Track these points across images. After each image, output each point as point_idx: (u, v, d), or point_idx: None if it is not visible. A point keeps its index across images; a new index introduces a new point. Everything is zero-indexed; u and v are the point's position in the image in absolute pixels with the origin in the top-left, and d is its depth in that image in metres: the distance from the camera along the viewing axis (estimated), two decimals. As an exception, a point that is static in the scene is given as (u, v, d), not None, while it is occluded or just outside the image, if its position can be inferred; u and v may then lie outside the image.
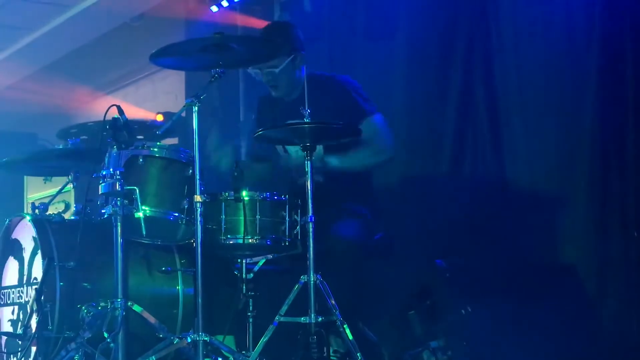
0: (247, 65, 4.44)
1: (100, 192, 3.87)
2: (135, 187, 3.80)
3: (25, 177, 6.95)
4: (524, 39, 4.87)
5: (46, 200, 4.58)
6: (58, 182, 5.01)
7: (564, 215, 4.64)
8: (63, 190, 4.86)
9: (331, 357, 4.06)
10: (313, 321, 3.76)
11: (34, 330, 3.96)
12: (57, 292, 4.00)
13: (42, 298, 3.94)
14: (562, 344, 4.28)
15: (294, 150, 4.37)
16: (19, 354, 4.06)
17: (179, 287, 4.28)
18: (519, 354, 4.25)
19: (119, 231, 3.77)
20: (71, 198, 5.57)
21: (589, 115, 4.56)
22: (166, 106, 7.66)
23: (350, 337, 3.77)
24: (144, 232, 3.86)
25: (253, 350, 3.88)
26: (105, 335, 3.72)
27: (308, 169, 3.89)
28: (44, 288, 3.95)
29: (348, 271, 4.15)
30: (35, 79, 9.35)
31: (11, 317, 4.38)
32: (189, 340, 3.76)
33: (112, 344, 3.70)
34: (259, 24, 6.37)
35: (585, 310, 4.42)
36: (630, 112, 4.37)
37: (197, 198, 3.82)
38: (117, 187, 3.78)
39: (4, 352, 4.34)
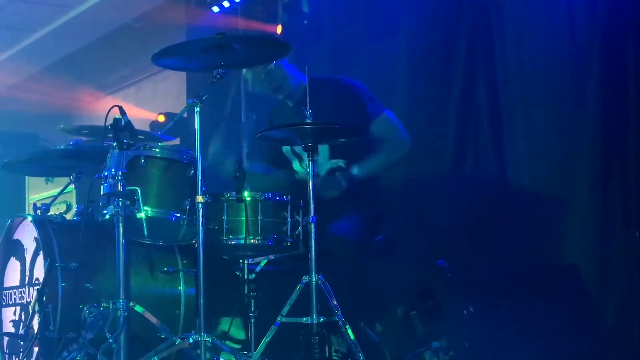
0: (248, 65, 4.45)
1: (102, 193, 3.87)
2: (137, 188, 3.81)
3: (26, 177, 6.96)
4: (526, 40, 4.87)
5: (48, 201, 4.57)
6: (59, 182, 5.02)
7: (565, 216, 4.63)
8: (65, 191, 4.86)
9: (333, 357, 4.06)
10: (315, 321, 3.76)
11: (35, 331, 3.95)
12: (59, 292, 4.00)
13: (44, 299, 3.93)
14: (564, 345, 4.27)
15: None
16: (21, 354, 4.06)
17: (181, 288, 4.27)
18: (521, 354, 4.25)
19: (121, 232, 3.77)
20: (73, 199, 5.58)
21: (590, 115, 4.56)
22: (167, 107, 7.67)
23: (352, 337, 3.77)
24: (146, 233, 3.86)
25: (255, 350, 3.88)
26: (107, 335, 3.72)
27: (310, 169, 3.89)
28: (46, 289, 3.95)
29: (350, 271, 4.15)
30: (36, 79, 9.37)
31: (13, 317, 4.38)
32: (191, 340, 3.76)
33: (114, 345, 3.70)
34: (260, 24, 6.38)
35: (586, 311, 4.42)
36: (632, 112, 4.36)
37: (199, 198, 3.82)
38: (119, 188, 3.78)
39: (6, 353, 4.34)
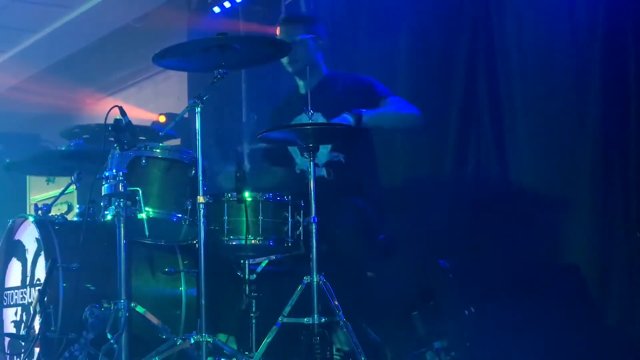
0: (249, 65, 4.47)
1: (103, 194, 3.87)
2: (138, 188, 3.81)
3: (28, 178, 6.96)
4: (527, 39, 4.86)
5: (49, 202, 4.57)
6: (61, 183, 5.02)
7: (567, 216, 4.63)
8: (66, 192, 4.86)
9: (334, 356, 4.06)
10: (316, 322, 3.76)
11: (37, 332, 3.95)
12: (60, 293, 4.00)
13: (45, 299, 3.93)
14: (566, 345, 4.27)
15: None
16: (22, 355, 4.06)
17: (182, 288, 4.28)
18: (522, 354, 4.25)
19: (122, 232, 3.77)
20: (74, 199, 5.58)
21: (591, 115, 4.55)
22: (168, 107, 7.67)
23: (354, 337, 3.76)
24: (147, 233, 3.86)
25: (256, 351, 3.88)
26: (109, 336, 3.72)
27: (311, 169, 3.89)
28: (47, 289, 3.95)
29: (351, 271, 4.15)
30: (37, 80, 9.37)
31: (14, 318, 4.38)
32: (192, 341, 3.76)
33: (115, 345, 3.70)
34: (261, 25, 6.38)
35: (587, 311, 4.42)
36: (633, 112, 4.36)
37: (200, 199, 3.82)
38: (120, 189, 3.78)
39: (8, 354, 4.34)
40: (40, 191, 6.71)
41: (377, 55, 5.55)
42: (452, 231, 4.95)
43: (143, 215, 3.82)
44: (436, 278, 4.45)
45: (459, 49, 5.20)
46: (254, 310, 4.16)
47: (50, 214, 4.38)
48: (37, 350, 4.00)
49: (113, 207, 3.80)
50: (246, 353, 4.00)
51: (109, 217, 3.84)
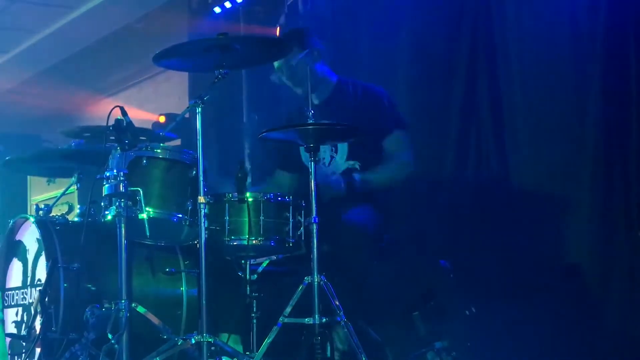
0: (250, 65, 4.47)
1: (104, 194, 3.87)
2: (139, 189, 3.80)
3: (29, 178, 6.95)
4: (528, 38, 4.86)
5: (50, 202, 4.58)
6: (62, 183, 5.02)
7: (567, 216, 4.63)
8: (67, 192, 4.86)
9: (335, 357, 4.06)
10: (317, 322, 3.76)
11: (38, 332, 3.95)
12: (61, 293, 4.00)
13: (46, 300, 3.93)
14: (566, 345, 4.27)
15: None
16: (23, 355, 4.06)
17: (183, 288, 4.28)
18: (523, 354, 4.25)
19: (123, 232, 3.77)
20: (75, 200, 5.58)
21: (592, 116, 4.55)
22: (169, 108, 7.67)
23: (354, 337, 3.76)
24: (148, 234, 3.86)
25: (257, 351, 3.88)
26: (110, 336, 3.72)
27: (311, 169, 3.89)
28: (48, 289, 3.95)
29: (356, 271, 4.15)
30: (38, 80, 9.38)
31: (15, 318, 4.38)
32: (193, 341, 3.76)
33: (116, 345, 3.70)
34: (262, 26, 6.39)
35: (588, 311, 4.42)
36: (634, 111, 4.36)
37: (201, 199, 3.82)
38: (121, 189, 3.78)
39: (9, 354, 4.34)
40: (41, 192, 6.71)
41: (378, 56, 5.56)
42: (453, 231, 4.95)
43: (144, 216, 3.82)
44: (437, 278, 4.45)
45: (460, 50, 5.20)
46: (255, 310, 4.15)
47: (51, 215, 4.38)
48: (38, 350, 4.00)
49: (114, 207, 3.79)
50: (247, 353, 4.00)
51: (109, 218, 3.84)
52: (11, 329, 4.38)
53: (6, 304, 4.46)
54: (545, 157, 4.78)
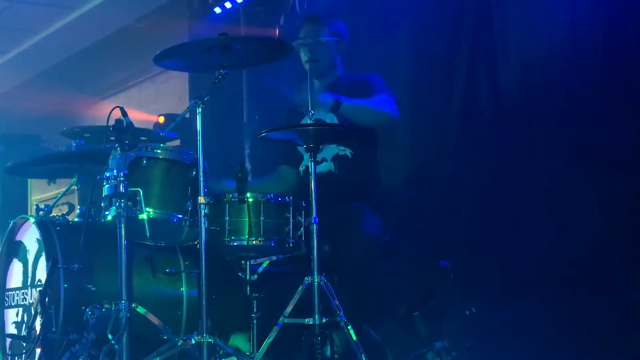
0: (251, 65, 4.47)
1: (104, 194, 3.87)
2: (139, 189, 3.81)
3: (29, 179, 6.96)
4: (529, 38, 4.86)
5: (50, 202, 4.58)
6: (62, 183, 5.02)
7: (568, 216, 4.63)
8: (67, 192, 4.86)
9: (335, 357, 4.06)
10: (317, 322, 3.76)
11: (38, 333, 3.95)
12: (61, 294, 4.00)
13: (46, 300, 3.93)
14: (567, 345, 4.27)
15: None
16: (24, 356, 4.06)
17: (183, 289, 4.28)
18: (523, 354, 4.25)
19: (123, 233, 3.77)
20: (75, 200, 5.58)
21: (593, 115, 4.55)
22: (169, 108, 7.67)
23: (355, 337, 3.76)
24: (148, 234, 3.86)
25: (257, 351, 3.88)
26: (110, 337, 3.72)
27: (312, 170, 3.89)
28: (48, 290, 3.95)
29: (358, 272, 4.15)
30: (38, 81, 9.38)
31: (15, 319, 4.38)
32: (193, 341, 3.76)
33: (116, 346, 3.70)
34: (262, 25, 6.39)
35: (588, 311, 4.41)
36: (635, 111, 4.36)
37: (201, 199, 3.82)
38: (121, 189, 3.78)
39: (9, 354, 4.34)
40: (42, 192, 6.72)
41: (378, 55, 5.55)
42: (453, 231, 4.95)
43: (144, 216, 3.83)
44: (437, 278, 4.45)
45: (460, 49, 5.20)
46: (255, 310, 4.15)
47: (51, 215, 4.38)
48: (38, 351, 4.00)
49: (114, 207, 3.80)
50: (247, 353, 3.99)
51: (109, 218, 3.84)
52: (11, 329, 4.38)
53: (6, 305, 4.47)
54: (545, 157, 4.77)
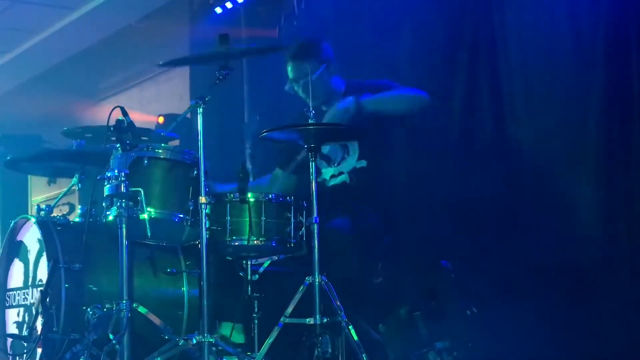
0: (251, 55, 4.45)
1: (105, 194, 3.87)
2: (140, 189, 3.81)
3: (29, 179, 6.96)
4: (529, 38, 4.86)
5: (51, 202, 4.58)
6: (62, 184, 5.02)
7: (569, 216, 4.63)
8: (68, 192, 4.86)
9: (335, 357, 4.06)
10: (318, 322, 3.76)
11: (39, 332, 3.95)
12: (62, 294, 4.00)
13: (47, 300, 3.94)
14: (567, 345, 4.27)
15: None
16: (25, 355, 4.06)
17: (184, 289, 4.28)
18: (524, 354, 4.25)
19: (124, 233, 3.78)
20: (76, 200, 5.58)
21: (594, 114, 4.55)
22: (171, 108, 7.67)
23: (356, 337, 3.77)
24: (149, 234, 3.86)
25: (258, 351, 3.88)
26: (111, 336, 3.73)
27: (312, 170, 3.89)
28: (49, 290, 3.95)
29: (354, 271, 4.15)
30: (39, 81, 9.38)
31: (16, 319, 4.39)
32: (194, 341, 3.76)
33: (117, 346, 3.70)
34: (263, 25, 6.39)
35: (589, 311, 4.41)
36: (636, 112, 4.36)
37: (202, 199, 3.82)
38: (122, 189, 3.78)
39: (10, 354, 4.34)
40: (42, 192, 6.72)
41: (379, 55, 5.55)
42: (454, 231, 4.95)
43: (145, 216, 3.83)
44: (438, 278, 4.45)
45: (461, 49, 5.20)
46: (256, 310, 4.15)
47: (52, 215, 4.38)
48: (39, 350, 4.00)
49: (115, 207, 3.80)
50: (248, 353, 3.99)
51: (111, 218, 3.85)
52: (13, 329, 4.38)
53: (7, 305, 4.47)
54: (546, 157, 4.77)
